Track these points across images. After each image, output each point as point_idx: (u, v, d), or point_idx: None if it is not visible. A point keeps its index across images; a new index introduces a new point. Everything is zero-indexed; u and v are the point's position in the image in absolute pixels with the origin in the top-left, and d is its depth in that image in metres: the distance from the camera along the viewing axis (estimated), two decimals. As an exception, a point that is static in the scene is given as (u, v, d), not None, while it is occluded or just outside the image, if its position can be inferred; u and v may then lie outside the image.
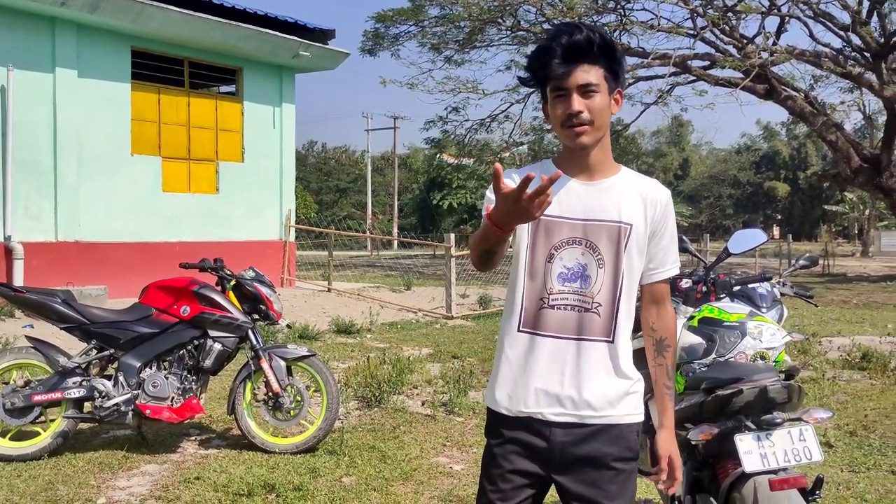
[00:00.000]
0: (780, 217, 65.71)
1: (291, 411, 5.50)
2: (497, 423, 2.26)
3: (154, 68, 13.32)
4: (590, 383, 2.17)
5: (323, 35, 15.42)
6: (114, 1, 11.82)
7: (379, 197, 64.19)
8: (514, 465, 2.21)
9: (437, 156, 32.52)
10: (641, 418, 2.27)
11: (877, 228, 43.60)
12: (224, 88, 15.34)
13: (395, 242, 45.43)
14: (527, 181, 1.81)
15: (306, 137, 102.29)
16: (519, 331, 2.22)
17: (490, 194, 2.14)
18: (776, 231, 57.16)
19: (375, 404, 6.69)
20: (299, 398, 5.53)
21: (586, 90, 2.13)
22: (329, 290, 15.02)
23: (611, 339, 2.20)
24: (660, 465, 2.28)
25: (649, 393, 3.74)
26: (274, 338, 9.17)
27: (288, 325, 6.43)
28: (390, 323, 12.12)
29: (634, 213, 2.21)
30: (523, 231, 2.20)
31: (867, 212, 45.49)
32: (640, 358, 3.77)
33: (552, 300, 2.18)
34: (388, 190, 59.68)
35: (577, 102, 2.12)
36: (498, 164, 1.86)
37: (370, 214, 52.75)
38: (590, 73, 2.13)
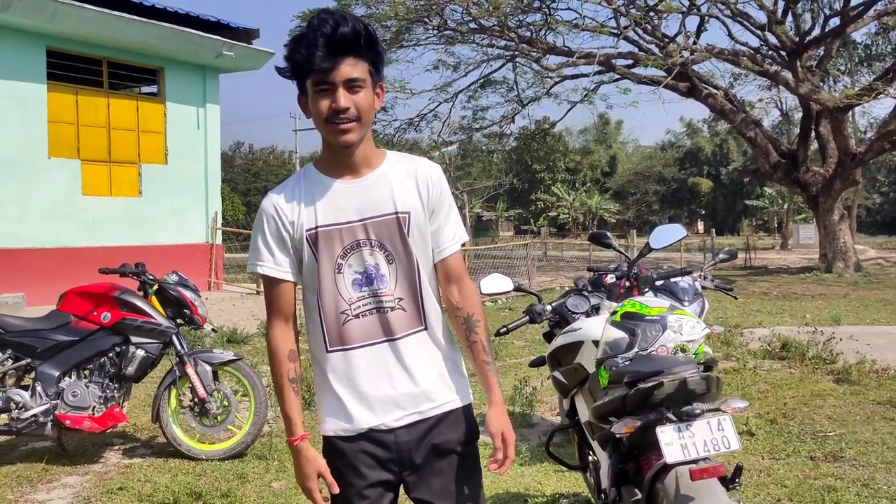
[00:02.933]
0: (703, 212, 67.29)
1: (218, 417, 5.41)
2: (336, 445, 2.19)
3: (71, 69, 12.94)
4: (420, 376, 2.15)
5: (247, 35, 15.20)
6: (26, 0, 11.46)
7: (308, 197, 63.62)
8: (367, 480, 2.16)
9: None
10: (471, 398, 2.28)
11: (795, 222, 44.97)
12: (146, 89, 14.99)
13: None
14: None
15: (233, 138, 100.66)
16: (328, 352, 2.17)
17: (263, 245, 2.21)
18: (700, 225, 58.62)
19: (305, 407, 6.60)
20: (226, 403, 5.44)
21: (352, 85, 2.05)
22: (258, 292, 14.81)
23: (423, 328, 2.17)
24: (494, 442, 2.20)
25: (576, 388, 3.80)
26: (201, 342, 9.01)
27: (213, 329, 6.33)
28: (320, 324, 11.99)
29: (409, 199, 2.16)
30: (304, 250, 2.14)
31: (786, 206, 46.90)
32: (569, 353, 3.83)
33: (354, 310, 2.14)
34: (318, 190, 59.08)
35: (344, 98, 2.04)
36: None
37: (299, 215, 52.26)
38: (356, 68, 2.05)
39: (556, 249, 32.14)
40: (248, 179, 67.57)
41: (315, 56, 2.02)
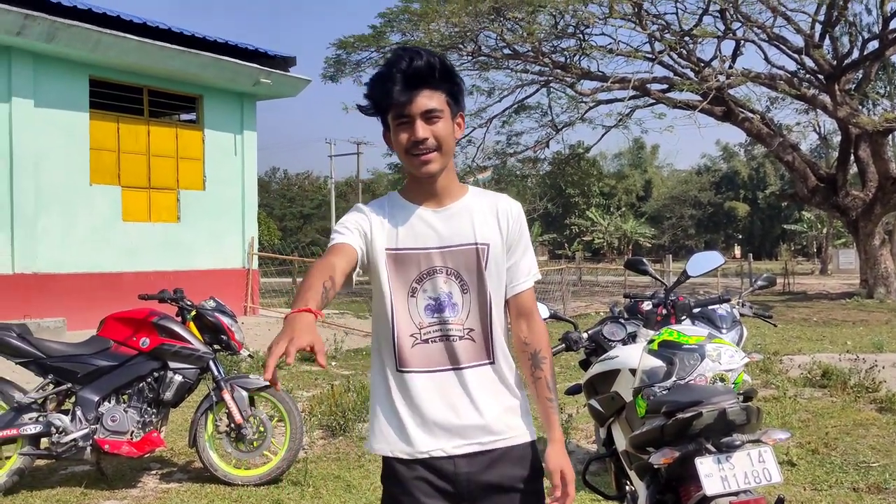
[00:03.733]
0: (740, 237, 66.61)
1: (254, 442, 5.43)
2: (395, 469, 2.18)
3: (113, 97, 13.21)
4: (484, 405, 2.14)
5: (284, 62, 15.41)
6: (71, 30, 11.73)
7: (343, 222, 64.01)
8: None
9: (401, 181, 32.60)
10: (535, 436, 2.26)
11: (835, 246, 44.37)
12: (184, 116, 15.24)
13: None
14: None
15: (269, 164, 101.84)
16: (398, 371, 2.16)
17: (350, 216, 2.21)
18: (737, 250, 57.98)
19: (340, 433, 6.63)
20: (262, 429, 5.46)
21: (430, 116, 2.10)
22: (293, 317, 14.87)
23: (491, 361, 2.18)
24: (552, 480, 2.20)
25: (613, 416, 3.76)
26: (237, 367, 9.07)
27: (250, 355, 6.38)
28: (355, 349, 12.04)
29: (489, 232, 2.19)
30: (380, 271, 2.16)
31: (825, 230, 46.29)
32: (605, 381, 3.80)
33: (424, 334, 2.15)
34: (353, 215, 59.43)
35: (422, 129, 2.09)
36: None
37: (334, 240, 52.55)
38: (432, 99, 2.10)
39: (591, 274, 31.98)
40: (283, 205, 68.27)
41: (392, 91, 2.09)
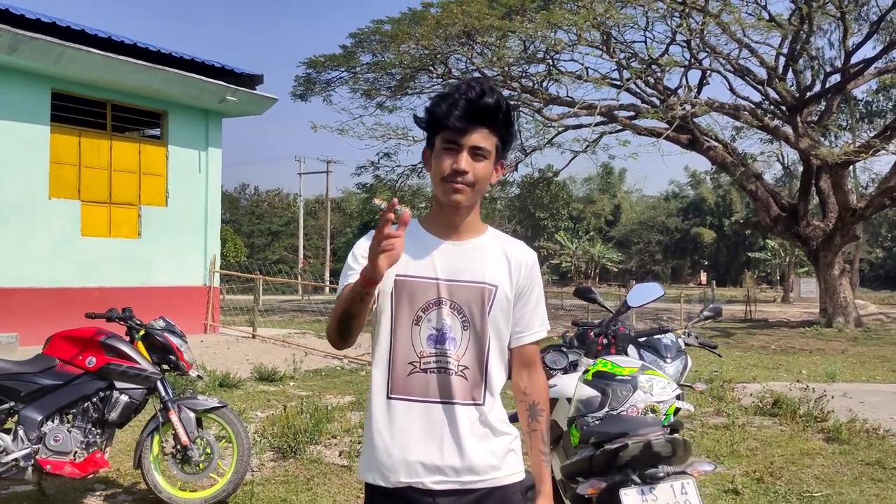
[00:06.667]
0: (706, 263, 67.27)
1: (201, 464, 5.38)
2: (377, 496, 2.19)
3: (75, 111, 13.08)
4: (469, 448, 2.13)
5: (251, 80, 15.37)
6: (34, 42, 11.62)
7: (312, 240, 63.86)
8: None
9: (370, 200, 32.53)
10: (523, 476, 2.26)
11: (797, 275, 44.93)
12: (149, 132, 15.14)
13: (328, 287, 45.11)
14: (405, 220, 1.83)
15: (239, 180, 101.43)
16: (389, 398, 2.16)
17: (363, 242, 2.16)
18: (703, 276, 58.48)
19: (291, 455, 6.59)
20: (209, 451, 5.41)
21: (477, 153, 2.12)
22: (254, 336, 14.81)
23: (481, 402, 2.17)
24: None
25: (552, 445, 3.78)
26: (192, 387, 8.99)
27: (199, 376, 6.31)
28: (315, 370, 11.98)
29: (499, 275, 2.20)
30: (386, 294, 2.16)
31: (788, 259, 46.88)
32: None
33: (423, 364, 2.15)
34: (322, 233, 59.40)
35: (465, 162, 2.11)
36: (378, 199, 1.86)
37: (302, 258, 52.37)
38: (487, 139, 2.13)
39: (557, 298, 32.08)
40: (252, 221, 67.89)
41: (452, 115, 2.11)
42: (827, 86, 22.87)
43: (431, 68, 23.85)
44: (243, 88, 14.90)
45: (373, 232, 2.12)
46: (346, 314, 2.02)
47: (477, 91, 2.11)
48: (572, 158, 26.90)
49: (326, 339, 2.20)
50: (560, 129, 24.59)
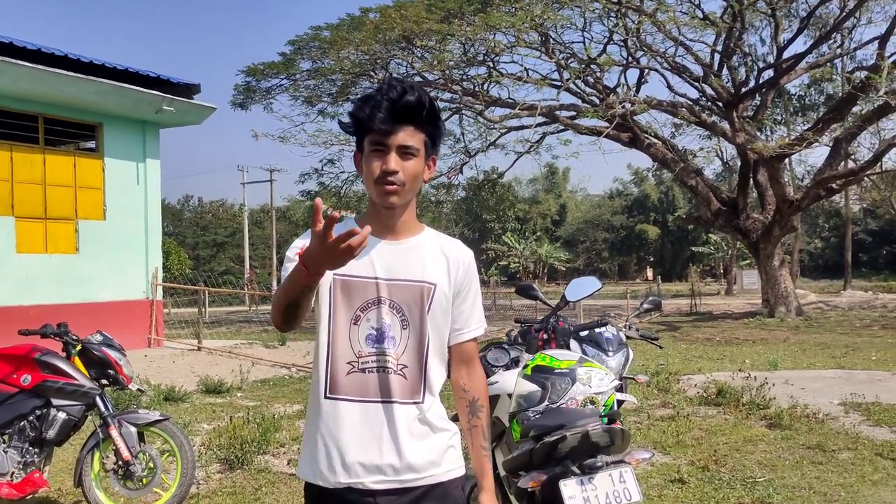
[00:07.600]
0: (652, 259, 68.19)
1: (143, 479, 5.27)
2: (317, 497, 2.17)
3: (6, 125, 12.74)
4: (408, 447, 2.12)
5: (188, 90, 15.15)
6: (-40, 56, 11.33)
7: (258, 250, 63.20)
8: None
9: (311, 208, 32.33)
10: (463, 471, 2.25)
11: (739, 267, 45.77)
12: (84, 144, 14.82)
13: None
14: (331, 221, 1.78)
15: (182, 192, 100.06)
16: (326, 398, 2.15)
17: (298, 241, 2.14)
18: (649, 272, 59.32)
19: (238, 466, 6.50)
20: (152, 465, 5.31)
21: (405, 152, 2.11)
22: (199, 348, 14.59)
23: (420, 401, 2.16)
24: None
25: (495, 442, 3.79)
26: (136, 402, 8.82)
27: (140, 389, 6.19)
28: (262, 380, 11.85)
29: (438, 274, 2.21)
30: (324, 293, 2.15)
31: (730, 252, 47.77)
32: None
33: (361, 364, 2.14)
34: (268, 243, 58.82)
35: (395, 162, 2.10)
36: (318, 199, 1.84)
37: (248, 268, 51.81)
38: (413, 137, 2.12)
39: (506, 298, 32.25)
40: (196, 233, 66.97)
41: (376, 117, 2.09)
42: (761, 81, 23.41)
43: (372, 73, 23.81)
44: (181, 98, 14.67)
45: (309, 231, 2.10)
46: (290, 303, 2.00)
47: (398, 90, 2.10)
48: (516, 160, 27.06)
49: (273, 338, 2.17)
50: (503, 131, 24.75)
